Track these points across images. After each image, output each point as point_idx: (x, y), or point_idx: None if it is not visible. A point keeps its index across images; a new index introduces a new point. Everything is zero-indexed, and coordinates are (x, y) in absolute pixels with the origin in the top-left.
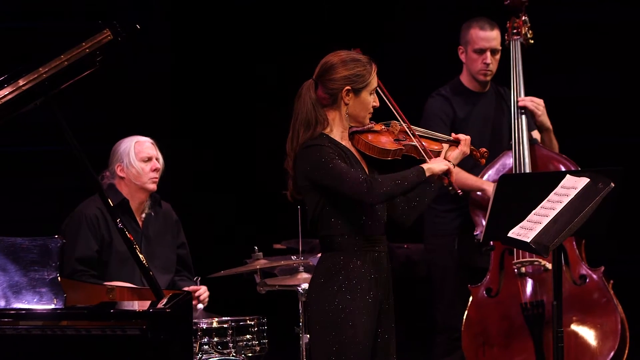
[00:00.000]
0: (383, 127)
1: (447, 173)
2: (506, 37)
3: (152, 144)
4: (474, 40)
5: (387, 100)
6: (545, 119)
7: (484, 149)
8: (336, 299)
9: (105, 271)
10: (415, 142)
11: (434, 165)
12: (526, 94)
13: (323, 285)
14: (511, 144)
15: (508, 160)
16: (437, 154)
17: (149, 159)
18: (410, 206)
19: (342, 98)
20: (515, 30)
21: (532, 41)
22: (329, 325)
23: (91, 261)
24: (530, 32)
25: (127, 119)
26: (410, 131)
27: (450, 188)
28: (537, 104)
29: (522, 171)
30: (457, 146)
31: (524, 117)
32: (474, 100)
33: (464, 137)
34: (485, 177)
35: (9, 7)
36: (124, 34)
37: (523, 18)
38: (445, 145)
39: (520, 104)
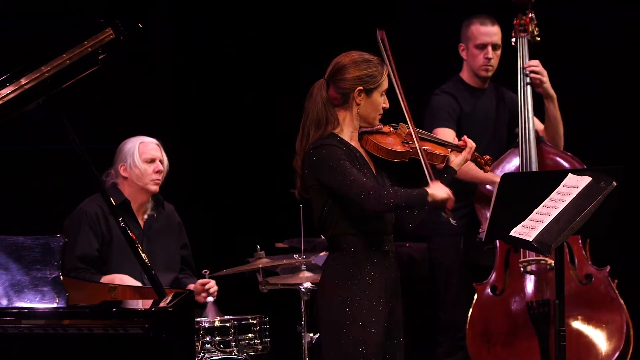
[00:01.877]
0: (391, 128)
1: (446, 201)
2: (513, 34)
3: (158, 145)
4: (475, 35)
5: (401, 101)
6: (549, 86)
7: (488, 157)
8: (346, 299)
9: (106, 269)
10: (423, 146)
11: (436, 193)
12: (533, 92)
13: (332, 286)
14: (518, 142)
15: (514, 159)
16: (442, 158)
17: (153, 160)
18: (413, 213)
19: (354, 98)
20: (522, 28)
21: (539, 38)
22: (340, 326)
23: (92, 259)
24: (537, 29)
25: (127, 119)
26: (417, 135)
27: (445, 216)
28: (542, 73)
29: (529, 169)
30: (460, 152)
31: (531, 114)
32: (476, 96)
33: (470, 145)
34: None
35: (10, 6)
36: (126, 32)
37: (530, 15)
38: (449, 150)
39: (531, 75)
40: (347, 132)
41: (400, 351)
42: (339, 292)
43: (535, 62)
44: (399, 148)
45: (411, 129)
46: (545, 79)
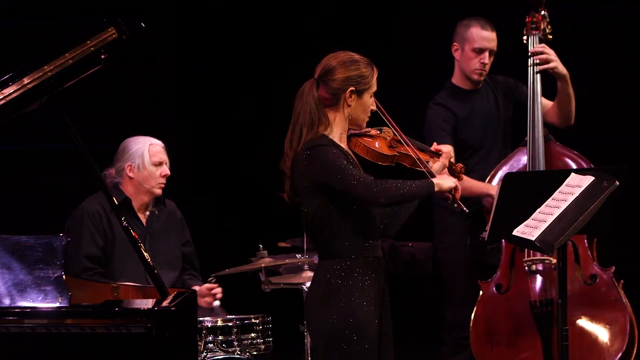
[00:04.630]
0: (377, 132)
1: (454, 190)
2: (525, 31)
3: (163, 148)
4: (474, 38)
5: (378, 109)
6: (560, 67)
7: (461, 165)
8: (340, 305)
9: (109, 267)
10: (409, 151)
11: (442, 182)
12: (543, 90)
13: (326, 293)
14: (526, 141)
15: (522, 157)
16: (426, 164)
17: (160, 164)
18: (394, 217)
19: (345, 99)
20: (534, 25)
21: (551, 37)
22: (337, 335)
23: (98, 257)
24: (549, 27)
25: (128, 118)
26: (402, 139)
27: (456, 205)
28: (549, 58)
29: (537, 168)
30: (438, 158)
31: (539, 113)
32: (471, 99)
33: (446, 150)
34: (499, 173)
35: (12, 5)
36: (129, 32)
37: (542, 13)
38: (429, 156)
39: (537, 67)
40: (337, 134)
41: (391, 352)
42: (332, 299)
43: (540, 46)
44: (387, 152)
45: (398, 134)
46: (554, 57)
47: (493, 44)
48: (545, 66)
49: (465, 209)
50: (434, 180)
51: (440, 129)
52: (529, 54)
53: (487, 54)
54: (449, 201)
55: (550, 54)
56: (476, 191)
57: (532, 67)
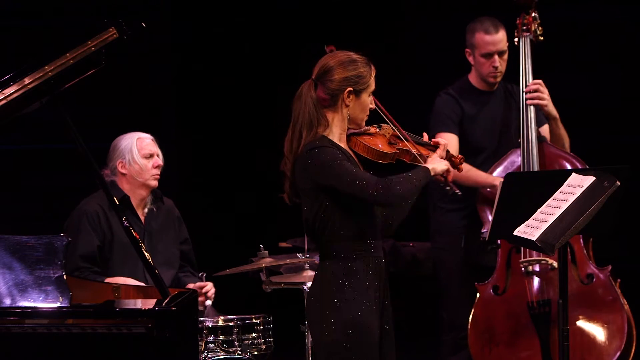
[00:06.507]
0: (377, 129)
1: (446, 173)
2: (516, 33)
3: (153, 140)
4: (480, 45)
5: (377, 107)
6: (551, 108)
7: (461, 156)
8: (343, 305)
9: (108, 267)
10: (409, 147)
11: (436, 165)
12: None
13: (328, 294)
14: (520, 142)
15: (516, 158)
16: (426, 159)
17: (151, 156)
18: (393, 213)
19: (344, 99)
20: (525, 27)
21: (542, 38)
22: (338, 336)
23: (93, 257)
24: (540, 28)
25: (128, 118)
26: (402, 135)
27: (448, 188)
28: (541, 97)
29: (531, 169)
30: (434, 151)
31: (532, 114)
32: (483, 99)
33: (443, 142)
34: (494, 174)
35: (13, 5)
36: (130, 32)
37: (533, 14)
38: (429, 150)
39: (527, 101)
40: (336, 134)
41: (393, 352)
42: (334, 299)
43: (536, 83)
44: (387, 149)
45: (397, 130)
46: (547, 100)
47: (500, 46)
48: (537, 102)
49: (458, 191)
50: (428, 165)
51: (447, 118)
52: (524, 90)
53: (496, 57)
54: (441, 184)
55: (544, 92)
56: (481, 181)
57: (524, 66)
